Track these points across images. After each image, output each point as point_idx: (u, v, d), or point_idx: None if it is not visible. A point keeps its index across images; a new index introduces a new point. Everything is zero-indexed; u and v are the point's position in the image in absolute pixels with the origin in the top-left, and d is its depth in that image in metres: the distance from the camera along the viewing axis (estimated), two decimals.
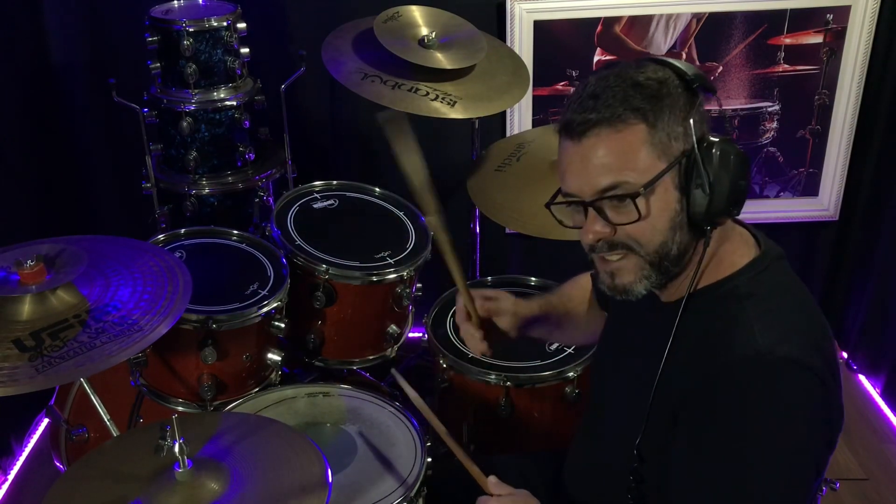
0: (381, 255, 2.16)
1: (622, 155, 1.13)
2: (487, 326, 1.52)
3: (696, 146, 1.13)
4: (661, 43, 2.65)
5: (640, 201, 1.13)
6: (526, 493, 1.35)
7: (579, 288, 1.65)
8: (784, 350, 1.10)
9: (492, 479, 1.37)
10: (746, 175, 1.15)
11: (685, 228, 1.16)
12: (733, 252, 1.21)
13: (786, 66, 2.68)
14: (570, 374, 1.96)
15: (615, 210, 1.16)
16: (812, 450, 1.13)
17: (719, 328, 1.16)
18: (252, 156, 2.45)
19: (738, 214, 1.19)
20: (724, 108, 2.72)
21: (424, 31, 2.29)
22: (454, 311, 2.15)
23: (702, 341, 1.18)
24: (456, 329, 2.09)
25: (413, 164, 1.46)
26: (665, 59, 1.18)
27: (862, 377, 2.91)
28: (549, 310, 1.61)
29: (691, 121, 1.13)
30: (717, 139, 1.15)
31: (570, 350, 2.03)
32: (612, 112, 1.12)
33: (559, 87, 2.70)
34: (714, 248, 1.19)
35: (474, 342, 1.52)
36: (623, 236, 1.17)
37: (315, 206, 2.31)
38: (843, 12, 2.60)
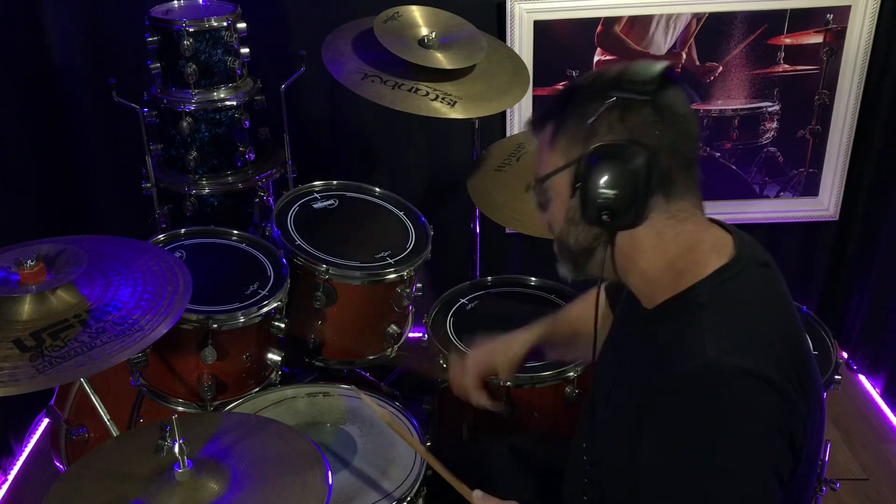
0: (381, 255, 2.16)
1: (537, 152, 1.26)
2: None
3: (586, 156, 1.16)
4: (661, 43, 2.65)
5: (539, 192, 1.26)
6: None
7: (590, 305, 1.65)
8: (733, 361, 1.08)
9: (477, 492, 1.37)
10: (618, 185, 1.14)
11: (580, 224, 1.21)
12: (698, 261, 1.19)
13: (786, 66, 2.68)
14: (570, 374, 1.96)
15: (533, 189, 1.28)
16: (766, 457, 1.09)
17: (673, 339, 1.15)
18: (252, 156, 2.45)
19: (618, 225, 1.18)
20: (724, 108, 2.72)
21: (424, 31, 2.29)
22: (454, 310, 2.16)
23: (657, 352, 1.17)
24: (455, 329, 2.10)
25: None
26: (632, 62, 1.20)
27: (862, 377, 2.91)
28: (550, 338, 1.66)
29: (587, 126, 1.16)
30: (609, 146, 1.15)
31: None
32: (540, 115, 1.26)
33: (559, 87, 2.70)
34: (675, 256, 1.19)
35: (483, 402, 1.67)
36: (543, 218, 1.29)
37: (315, 206, 2.31)
38: (843, 12, 2.60)
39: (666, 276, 1.20)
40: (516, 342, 1.66)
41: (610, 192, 1.14)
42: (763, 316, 1.17)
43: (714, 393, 1.08)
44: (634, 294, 1.27)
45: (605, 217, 1.16)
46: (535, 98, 2.69)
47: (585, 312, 1.62)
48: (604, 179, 1.14)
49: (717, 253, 1.20)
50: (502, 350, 1.66)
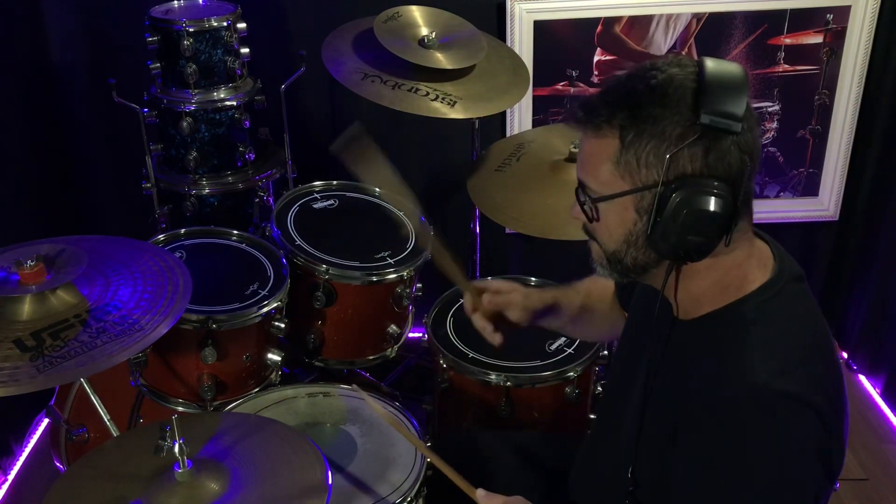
0: (381, 255, 2.16)
1: (591, 160, 1.15)
2: (498, 317, 1.54)
3: (660, 185, 1.08)
4: (661, 43, 2.65)
5: (591, 208, 1.16)
6: (520, 500, 1.34)
7: (600, 286, 1.63)
8: (781, 384, 1.07)
9: (480, 491, 1.36)
10: (704, 231, 1.08)
11: (643, 248, 1.15)
12: (744, 276, 1.16)
13: (786, 66, 2.68)
14: (570, 374, 1.96)
15: (582, 203, 1.19)
16: (809, 487, 1.09)
17: (720, 356, 1.14)
18: (252, 156, 2.45)
19: (686, 262, 1.14)
20: None
21: (424, 31, 2.28)
22: (454, 310, 2.16)
23: (698, 368, 1.16)
24: (455, 329, 2.10)
25: (384, 178, 1.47)
26: (711, 67, 1.10)
27: (862, 377, 2.91)
28: (563, 303, 1.60)
29: (668, 155, 1.06)
30: (695, 186, 1.07)
31: (570, 350, 2.03)
32: (597, 117, 1.12)
33: (559, 87, 2.70)
34: (723, 273, 1.16)
35: (487, 334, 1.54)
36: (588, 226, 1.21)
37: (315, 206, 2.31)
38: (843, 12, 2.60)
39: (711, 291, 1.17)
40: (535, 293, 1.59)
41: (696, 239, 1.09)
42: (805, 334, 1.16)
43: (761, 418, 1.07)
44: (666, 298, 1.22)
45: (681, 255, 1.12)
46: (535, 98, 2.69)
47: (597, 291, 1.61)
48: (689, 222, 1.07)
49: (761, 267, 1.18)
50: (521, 294, 1.56)
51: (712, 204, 1.07)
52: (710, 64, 1.10)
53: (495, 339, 1.53)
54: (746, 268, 1.17)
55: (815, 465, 1.09)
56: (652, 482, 1.24)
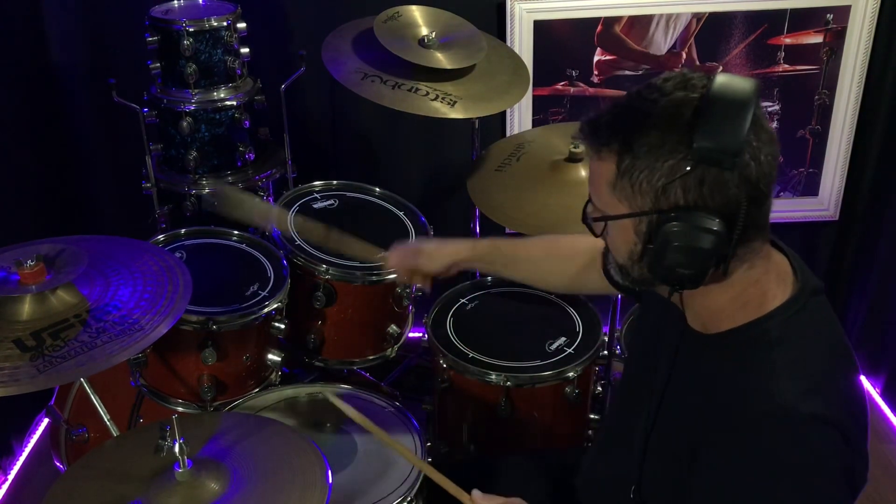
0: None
1: (594, 180, 1.15)
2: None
3: (654, 214, 1.07)
4: (661, 43, 2.65)
5: (597, 225, 1.16)
6: (519, 501, 1.34)
7: (554, 238, 1.70)
8: (809, 406, 1.06)
9: (475, 492, 1.36)
10: (692, 265, 1.07)
11: (646, 268, 1.14)
12: (764, 293, 1.15)
13: (786, 66, 2.68)
14: (570, 374, 1.96)
15: (587, 217, 1.20)
16: None
17: (747, 375, 1.13)
18: (252, 156, 2.45)
19: (682, 289, 1.12)
20: None
21: (424, 31, 2.28)
22: (454, 309, 2.16)
23: (727, 386, 1.14)
24: (455, 329, 2.10)
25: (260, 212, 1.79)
26: (716, 92, 1.05)
27: (862, 377, 2.91)
28: (488, 253, 1.69)
29: (659, 185, 1.05)
30: (685, 220, 1.05)
31: (570, 350, 2.02)
32: (596, 140, 1.11)
33: (559, 87, 2.70)
34: (740, 291, 1.14)
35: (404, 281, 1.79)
36: (602, 240, 1.21)
37: (315, 206, 2.31)
38: (843, 12, 2.60)
39: (730, 308, 1.16)
40: (447, 249, 1.68)
41: (686, 272, 1.08)
42: (829, 353, 1.16)
43: (788, 440, 1.07)
44: (678, 308, 1.21)
45: (675, 284, 1.11)
46: (535, 98, 2.69)
47: (544, 243, 1.70)
48: (677, 255, 1.07)
49: (780, 283, 1.16)
50: (426, 256, 1.68)
51: (700, 240, 1.05)
52: (717, 87, 1.05)
53: (426, 284, 1.72)
54: (765, 284, 1.15)
55: (839, 484, 1.09)
56: (660, 498, 1.24)
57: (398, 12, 2.31)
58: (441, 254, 1.67)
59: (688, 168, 1.03)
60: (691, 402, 1.19)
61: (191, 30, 2.25)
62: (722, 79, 1.07)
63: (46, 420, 2.51)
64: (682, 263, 1.07)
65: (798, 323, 1.14)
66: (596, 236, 1.19)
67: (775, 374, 1.10)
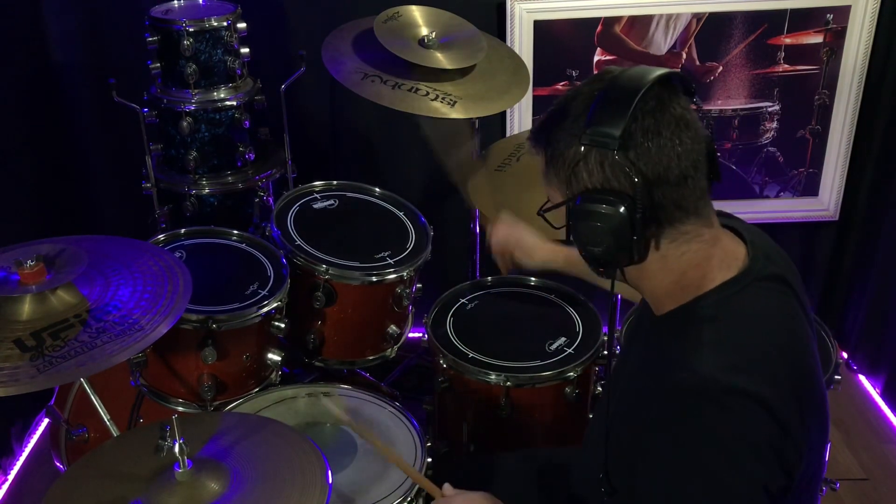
0: (381, 255, 2.16)
1: (541, 178, 1.22)
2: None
3: (569, 200, 1.14)
4: (661, 43, 2.65)
5: (544, 215, 1.23)
6: (485, 495, 1.35)
7: None
8: (729, 379, 1.07)
9: (446, 486, 1.38)
10: (598, 242, 1.13)
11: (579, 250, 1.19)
12: (704, 275, 1.16)
13: (786, 66, 2.68)
14: (570, 374, 1.96)
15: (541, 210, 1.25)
16: (755, 477, 1.07)
17: (672, 351, 1.14)
18: (252, 156, 2.45)
19: (605, 271, 1.18)
20: (724, 108, 2.72)
21: (424, 31, 2.29)
22: (454, 309, 2.16)
23: (657, 365, 1.16)
24: (455, 329, 2.10)
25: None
26: (612, 81, 1.13)
27: (862, 377, 2.91)
28: (581, 261, 1.69)
29: (566, 174, 1.13)
30: (586, 200, 1.12)
31: (570, 350, 2.03)
32: (532, 140, 1.21)
33: (559, 87, 2.70)
34: (680, 274, 1.16)
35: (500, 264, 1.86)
36: None
37: (315, 206, 2.31)
38: (843, 12, 2.60)
39: (673, 290, 1.18)
40: (545, 250, 1.76)
41: (596, 250, 1.14)
42: (765, 332, 1.15)
43: (705, 409, 1.07)
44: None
45: (596, 266, 1.17)
46: (535, 98, 2.69)
47: None
48: (587, 235, 1.13)
49: (725, 267, 1.17)
50: (527, 251, 1.78)
51: (598, 217, 1.11)
52: (616, 78, 1.13)
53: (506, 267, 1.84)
54: (706, 268, 1.17)
55: (762, 454, 1.07)
56: (622, 484, 1.23)
57: (398, 12, 2.31)
58: (538, 254, 1.76)
59: (581, 150, 1.11)
60: (636, 386, 1.22)
61: (191, 30, 2.25)
62: (628, 70, 1.14)
63: (46, 420, 2.51)
64: (591, 241, 1.14)
65: (734, 303, 1.15)
66: (556, 229, 1.23)
67: (700, 348, 1.11)
